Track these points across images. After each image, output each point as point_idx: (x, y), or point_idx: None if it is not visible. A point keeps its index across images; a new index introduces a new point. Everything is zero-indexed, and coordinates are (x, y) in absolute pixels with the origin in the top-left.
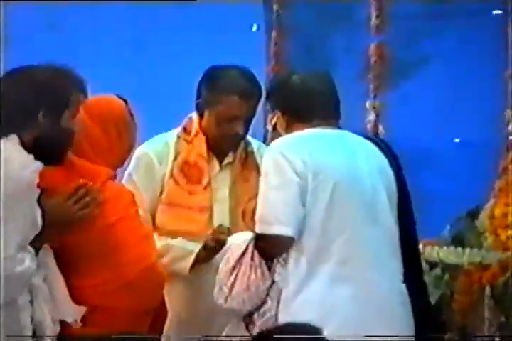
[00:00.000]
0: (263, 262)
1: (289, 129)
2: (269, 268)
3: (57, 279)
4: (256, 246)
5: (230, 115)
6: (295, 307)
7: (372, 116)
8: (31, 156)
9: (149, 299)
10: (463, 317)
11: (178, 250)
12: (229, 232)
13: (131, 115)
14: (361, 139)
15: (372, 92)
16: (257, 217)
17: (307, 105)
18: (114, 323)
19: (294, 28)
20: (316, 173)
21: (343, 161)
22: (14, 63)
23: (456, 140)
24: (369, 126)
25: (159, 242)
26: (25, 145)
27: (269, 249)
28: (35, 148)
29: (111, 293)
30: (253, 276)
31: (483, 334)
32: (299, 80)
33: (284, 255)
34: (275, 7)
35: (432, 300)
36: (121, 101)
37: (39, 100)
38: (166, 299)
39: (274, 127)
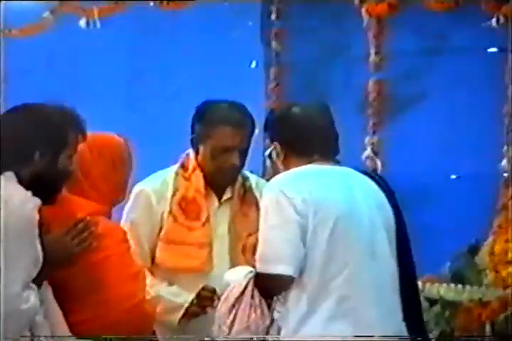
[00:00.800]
0: (263, 301)
1: (285, 161)
2: (269, 306)
3: (58, 314)
4: (256, 285)
5: (224, 146)
6: None
7: (369, 152)
8: (29, 193)
9: (136, 337)
10: None
11: (168, 303)
12: (215, 294)
13: (129, 153)
14: (360, 175)
15: (371, 128)
16: (257, 256)
17: (305, 138)
18: None
19: (292, 63)
20: (316, 211)
21: (342, 198)
22: (14, 98)
23: (453, 176)
24: (367, 162)
25: (152, 289)
26: (21, 182)
27: (270, 287)
28: (31, 185)
29: (98, 330)
30: (253, 315)
31: None
32: (298, 112)
33: (283, 293)
34: (274, 45)
35: (432, 337)
36: (121, 139)
37: (37, 140)
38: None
39: (270, 156)
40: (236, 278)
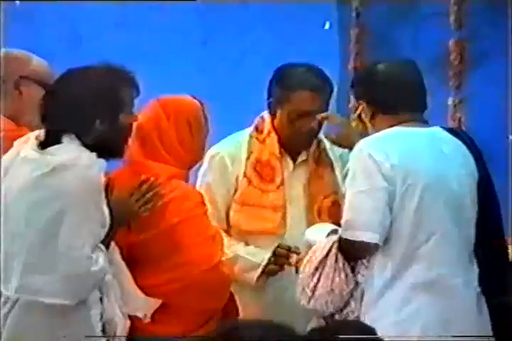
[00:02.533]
0: (347, 264)
1: (373, 120)
2: (353, 270)
3: (126, 275)
4: (340, 249)
5: (303, 110)
6: (377, 311)
7: (454, 113)
8: (94, 155)
9: (213, 299)
10: None
11: (246, 262)
12: (289, 251)
13: (205, 116)
14: (448, 137)
15: (453, 88)
16: (342, 221)
17: (392, 95)
18: (179, 322)
19: (368, 24)
20: (405, 178)
21: (431, 164)
22: (85, 62)
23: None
24: (451, 124)
25: (229, 249)
26: (85, 145)
27: (354, 253)
28: (95, 147)
29: (174, 293)
30: (337, 279)
31: None
32: (384, 69)
33: (368, 257)
34: (354, 4)
35: None
36: (197, 102)
37: (95, 109)
38: (239, 300)
39: (359, 117)
40: (317, 237)
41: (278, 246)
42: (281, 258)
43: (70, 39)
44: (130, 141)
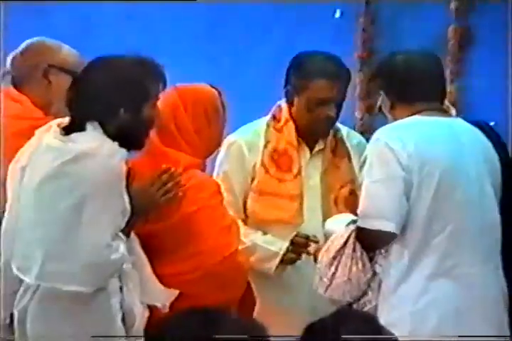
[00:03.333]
0: (364, 254)
1: (393, 110)
2: (371, 259)
3: (145, 264)
4: (357, 238)
5: (321, 98)
6: (394, 300)
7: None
8: (116, 144)
9: (230, 289)
10: None
11: (264, 251)
12: (308, 239)
13: (223, 105)
14: (468, 126)
15: (451, 76)
16: (359, 210)
17: (410, 85)
18: None
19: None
20: (422, 166)
21: (448, 152)
22: (96, 53)
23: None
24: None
25: (247, 238)
26: (108, 134)
27: (371, 242)
28: (117, 136)
29: (191, 282)
30: (354, 268)
31: None
32: (402, 60)
33: (385, 246)
34: None
35: None
36: (214, 91)
37: (120, 98)
38: (256, 290)
39: (380, 109)
40: (337, 228)
41: (296, 235)
42: (300, 247)
43: (81, 31)
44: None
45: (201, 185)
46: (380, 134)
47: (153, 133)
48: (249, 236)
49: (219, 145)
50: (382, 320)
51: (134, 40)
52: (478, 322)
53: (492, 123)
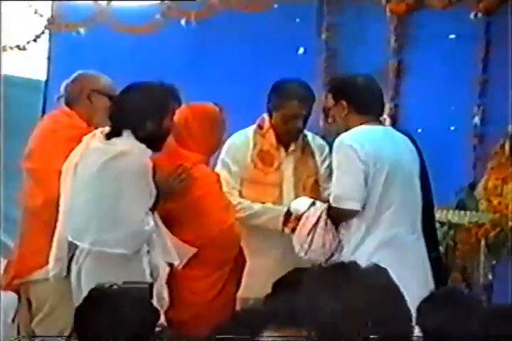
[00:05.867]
0: (333, 227)
1: (345, 117)
2: (336, 230)
3: (166, 233)
4: (328, 215)
5: (293, 115)
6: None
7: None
8: (144, 146)
9: (227, 251)
10: (464, 261)
11: (274, 212)
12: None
13: (223, 118)
14: (399, 134)
15: (390, 96)
16: (332, 195)
17: (366, 101)
18: (202, 267)
19: (333, 50)
20: (375, 162)
21: (391, 152)
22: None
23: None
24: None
25: (256, 205)
26: (138, 139)
27: (340, 218)
28: (145, 140)
29: (199, 247)
30: (327, 237)
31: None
32: (363, 79)
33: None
34: (323, 36)
35: (441, 248)
36: (217, 108)
37: (148, 113)
38: (246, 251)
39: (327, 113)
40: (300, 207)
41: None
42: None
43: (100, 63)
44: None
45: (206, 176)
46: (344, 138)
47: (170, 138)
48: (253, 205)
49: (220, 146)
50: None
51: (148, 68)
52: (412, 281)
53: (419, 130)
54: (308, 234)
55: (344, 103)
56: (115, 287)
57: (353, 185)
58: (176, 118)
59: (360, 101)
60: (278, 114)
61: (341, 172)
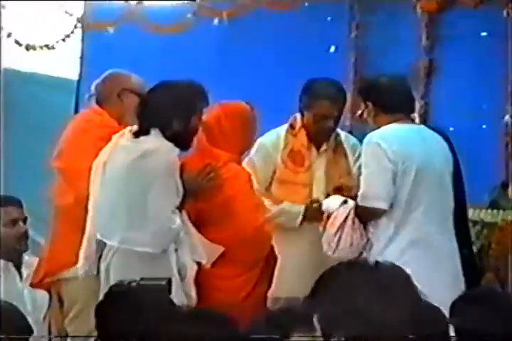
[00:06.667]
0: (361, 225)
1: (375, 118)
2: (365, 229)
3: (194, 232)
4: (356, 214)
5: (323, 115)
6: (381, 259)
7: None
8: (172, 145)
9: (259, 251)
10: (497, 260)
11: (290, 214)
12: (319, 204)
13: (254, 117)
14: (430, 131)
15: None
16: (360, 193)
17: (393, 99)
18: (232, 267)
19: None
20: (404, 161)
21: (420, 151)
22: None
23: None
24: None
25: (274, 207)
26: (166, 137)
27: (368, 216)
28: (172, 139)
29: (230, 246)
30: (355, 236)
31: None
32: (388, 80)
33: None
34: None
35: (474, 248)
36: (248, 106)
37: (175, 111)
38: (278, 250)
39: (361, 116)
40: (332, 205)
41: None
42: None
43: (131, 62)
44: (199, 134)
45: (237, 175)
46: (372, 137)
47: (202, 136)
48: (272, 206)
49: (251, 145)
50: None
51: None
52: (441, 281)
53: (451, 129)
54: (335, 233)
55: (370, 104)
56: (134, 284)
57: (381, 184)
58: (207, 116)
59: (386, 101)
60: (309, 114)
61: (369, 171)
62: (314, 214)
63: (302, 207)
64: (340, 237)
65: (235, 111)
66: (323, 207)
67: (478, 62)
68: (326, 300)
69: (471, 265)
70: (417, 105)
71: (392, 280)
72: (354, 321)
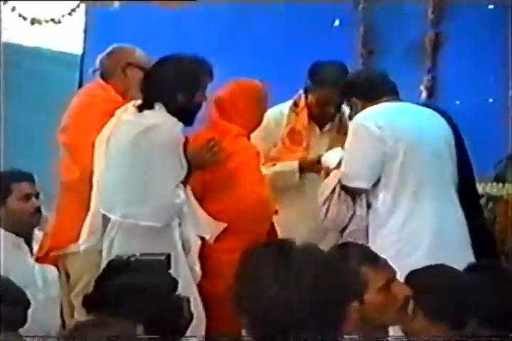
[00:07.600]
0: (348, 198)
1: (364, 107)
2: (353, 200)
3: (197, 207)
4: (341, 187)
5: (326, 100)
6: (385, 231)
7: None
8: (176, 119)
9: (260, 224)
10: (503, 234)
11: (283, 172)
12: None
13: (266, 94)
14: (423, 108)
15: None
16: (341, 172)
17: (371, 89)
18: (234, 240)
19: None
20: (392, 133)
21: (410, 124)
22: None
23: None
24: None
25: (268, 170)
26: (170, 112)
27: (350, 193)
28: (176, 114)
29: (232, 218)
30: (341, 208)
31: None
32: (362, 74)
33: (371, 193)
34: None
35: None
36: (260, 84)
37: (179, 85)
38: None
39: (350, 118)
40: (330, 159)
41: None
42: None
43: (135, 36)
44: (210, 109)
45: (245, 148)
46: (356, 118)
47: (214, 111)
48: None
49: (260, 123)
50: (375, 246)
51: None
52: (451, 255)
53: (457, 102)
54: (324, 203)
55: (354, 99)
56: (132, 258)
57: (361, 163)
58: (222, 92)
59: (366, 92)
60: (312, 97)
61: (350, 150)
62: (311, 166)
63: (295, 162)
64: (327, 209)
65: (249, 87)
66: (322, 160)
67: (484, 34)
68: (240, 280)
69: (483, 232)
70: (424, 79)
71: (303, 263)
72: (256, 302)
